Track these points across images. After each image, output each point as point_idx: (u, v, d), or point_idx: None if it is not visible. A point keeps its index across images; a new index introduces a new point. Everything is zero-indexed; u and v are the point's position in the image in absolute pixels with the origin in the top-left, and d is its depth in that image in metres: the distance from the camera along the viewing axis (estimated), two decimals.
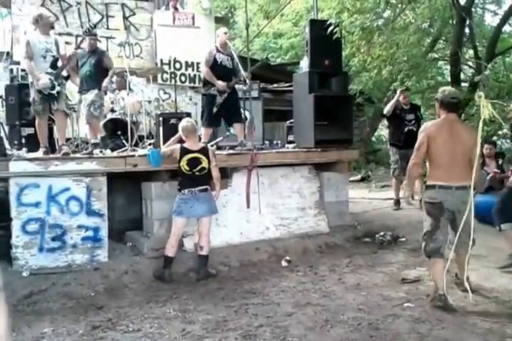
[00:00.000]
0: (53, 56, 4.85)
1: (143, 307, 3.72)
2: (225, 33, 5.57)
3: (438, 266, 3.43)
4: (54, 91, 4.79)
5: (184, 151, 4.37)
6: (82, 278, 4.19)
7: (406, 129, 6.68)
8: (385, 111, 6.94)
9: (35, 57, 4.78)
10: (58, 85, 4.81)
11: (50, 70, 4.80)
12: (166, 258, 4.35)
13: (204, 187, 4.38)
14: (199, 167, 4.36)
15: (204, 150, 4.42)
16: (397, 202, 6.86)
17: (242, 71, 5.46)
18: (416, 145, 3.50)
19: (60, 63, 4.90)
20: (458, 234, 3.37)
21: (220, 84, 5.37)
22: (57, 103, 4.85)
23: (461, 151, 3.39)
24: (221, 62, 5.47)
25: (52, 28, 5.01)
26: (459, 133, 3.45)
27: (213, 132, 6.05)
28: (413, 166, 3.52)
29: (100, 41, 6.23)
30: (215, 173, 4.47)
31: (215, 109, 5.47)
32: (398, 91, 6.98)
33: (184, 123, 4.49)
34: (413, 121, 6.74)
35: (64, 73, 4.96)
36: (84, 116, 5.29)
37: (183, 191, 4.37)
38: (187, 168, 4.34)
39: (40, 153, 4.84)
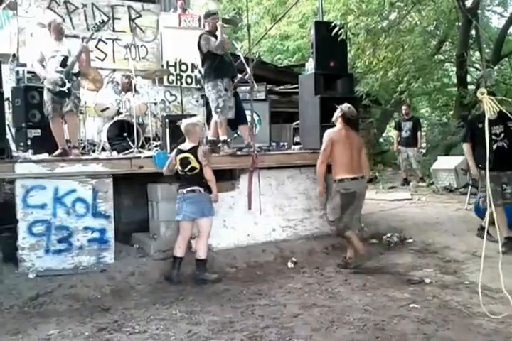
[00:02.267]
0: (63, 55, 4.86)
1: (149, 308, 3.71)
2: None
3: (353, 236, 4.48)
4: (64, 88, 4.78)
5: (177, 152, 4.41)
6: (89, 280, 4.19)
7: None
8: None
9: (46, 60, 4.84)
10: (69, 82, 4.81)
11: (59, 69, 4.81)
12: (174, 258, 4.36)
13: (192, 188, 4.31)
14: (189, 167, 4.32)
15: (193, 150, 4.36)
16: None
17: (248, 69, 5.44)
18: (322, 146, 4.50)
19: (69, 61, 4.87)
20: (353, 216, 4.51)
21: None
22: (67, 103, 4.84)
23: (356, 151, 4.47)
24: None
25: (62, 33, 5.04)
26: (352, 138, 4.53)
27: None
28: (321, 164, 4.51)
29: None
30: (207, 174, 4.37)
31: None
32: None
33: (183, 123, 4.48)
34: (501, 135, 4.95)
35: (75, 70, 4.94)
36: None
37: (179, 191, 4.39)
38: (180, 168, 4.36)
39: (56, 154, 4.81)
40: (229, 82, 5.27)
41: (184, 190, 4.32)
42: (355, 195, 4.42)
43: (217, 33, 5.18)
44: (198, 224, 4.38)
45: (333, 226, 4.61)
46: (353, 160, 4.44)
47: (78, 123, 5.37)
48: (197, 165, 4.33)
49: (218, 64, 5.21)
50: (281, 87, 9.99)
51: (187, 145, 4.42)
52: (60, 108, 4.87)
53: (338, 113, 4.61)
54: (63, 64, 4.84)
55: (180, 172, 4.39)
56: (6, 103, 5.14)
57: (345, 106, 4.65)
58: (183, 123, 4.46)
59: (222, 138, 5.33)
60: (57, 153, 4.82)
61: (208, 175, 4.37)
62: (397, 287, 4.03)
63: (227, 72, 5.30)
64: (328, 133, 4.53)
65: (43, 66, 4.86)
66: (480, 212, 5.51)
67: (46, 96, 4.86)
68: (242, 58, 5.54)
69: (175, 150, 4.48)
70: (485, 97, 3.02)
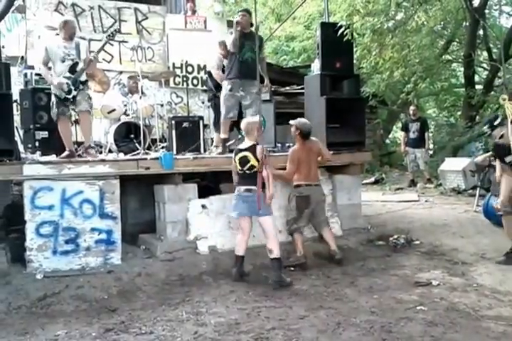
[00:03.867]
0: (72, 60, 4.84)
1: (155, 309, 3.72)
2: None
3: (299, 238, 4.84)
4: (70, 96, 4.80)
5: (237, 151, 4.39)
6: (96, 281, 4.21)
7: None
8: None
9: (54, 61, 4.82)
10: (75, 90, 4.81)
11: (68, 74, 4.81)
12: (236, 257, 4.41)
13: (249, 187, 4.26)
14: (248, 165, 4.26)
15: (252, 148, 4.29)
16: None
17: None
18: (290, 161, 4.91)
19: (79, 68, 4.89)
20: (318, 219, 4.96)
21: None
22: (76, 105, 4.88)
23: (313, 160, 4.96)
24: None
25: (74, 34, 5.06)
26: (311, 150, 4.96)
27: None
28: (291, 174, 4.93)
29: None
30: (266, 173, 4.25)
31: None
32: None
33: (243, 121, 4.50)
34: None
35: (83, 78, 4.96)
36: None
37: (236, 189, 4.39)
38: (239, 167, 4.33)
39: (63, 155, 4.83)
40: (239, 81, 5.33)
41: (242, 188, 4.30)
42: (310, 199, 4.85)
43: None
44: (261, 224, 4.35)
45: (287, 226, 4.97)
46: (311, 171, 4.95)
47: (91, 122, 5.38)
48: (256, 164, 4.25)
49: (229, 64, 5.35)
50: (287, 87, 9.99)
51: (246, 143, 4.38)
52: (67, 110, 4.89)
53: (294, 131, 4.93)
54: (72, 70, 4.83)
55: (239, 171, 4.35)
56: (14, 105, 5.18)
57: (299, 122, 4.93)
58: (243, 122, 4.47)
59: (221, 136, 5.44)
60: (64, 154, 4.84)
61: (267, 175, 4.29)
62: (404, 289, 4.01)
63: (238, 72, 5.33)
64: (293, 151, 4.96)
65: (50, 68, 4.86)
66: (489, 214, 5.46)
67: (54, 99, 4.87)
68: None
69: (235, 150, 4.48)
70: (507, 103, 3.02)
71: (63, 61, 4.82)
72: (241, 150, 4.36)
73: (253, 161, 4.26)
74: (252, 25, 5.44)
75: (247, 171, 4.29)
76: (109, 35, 5.34)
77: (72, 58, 4.85)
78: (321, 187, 5.08)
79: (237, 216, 4.40)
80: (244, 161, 4.29)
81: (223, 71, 5.62)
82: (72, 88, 4.80)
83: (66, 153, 4.86)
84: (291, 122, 4.97)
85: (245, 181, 4.31)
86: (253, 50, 5.24)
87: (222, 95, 5.47)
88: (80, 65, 4.87)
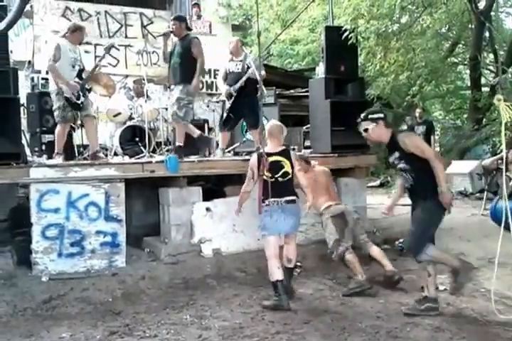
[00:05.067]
0: (79, 65, 4.95)
1: (160, 313, 3.73)
2: (235, 41, 5.73)
3: (354, 259, 4.17)
4: (79, 101, 4.88)
5: (261, 155, 3.78)
6: (100, 284, 4.23)
7: None
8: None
9: (64, 65, 4.82)
10: (83, 96, 4.90)
11: (77, 80, 4.89)
12: (273, 283, 3.73)
13: (292, 197, 3.75)
14: (282, 171, 3.74)
15: (285, 153, 3.82)
16: None
17: (254, 69, 5.39)
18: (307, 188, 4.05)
19: (84, 75, 5.00)
20: (359, 238, 4.41)
21: (223, 90, 5.54)
22: (84, 110, 4.97)
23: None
24: (229, 69, 5.63)
25: (83, 39, 5.13)
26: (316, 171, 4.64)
27: (231, 138, 6.10)
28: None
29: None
30: (302, 180, 3.86)
31: (225, 114, 5.58)
32: None
33: (269, 124, 4.08)
34: None
35: (88, 85, 5.07)
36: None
37: (266, 202, 3.71)
38: (269, 174, 3.72)
39: (60, 160, 4.90)
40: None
41: (281, 200, 3.69)
42: (345, 216, 4.39)
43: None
44: (288, 237, 3.91)
45: (334, 252, 4.29)
46: (331, 192, 4.65)
47: (97, 127, 5.45)
48: (290, 171, 3.79)
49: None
50: (292, 90, 9.99)
51: (274, 147, 3.87)
52: (71, 116, 4.95)
53: (299, 163, 4.12)
54: (79, 76, 4.93)
55: (268, 179, 3.73)
56: (21, 109, 5.22)
57: (300, 155, 4.60)
58: (269, 125, 4.03)
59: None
60: (60, 159, 4.89)
61: (304, 182, 3.89)
62: (410, 294, 3.98)
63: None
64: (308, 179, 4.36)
65: (56, 62, 4.84)
66: (497, 218, 5.41)
67: (64, 102, 4.84)
68: (252, 63, 5.52)
69: (256, 154, 3.91)
70: (502, 104, 2.98)
71: (73, 66, 4.89)
72: (271, 154, 3.80)
73: (287, 167, 3.78)
74: (189, 29, 5.45)
75: (279, 178, 3.74)
76: (106, 49, 5.42)
77: (79, 64, 4.94)
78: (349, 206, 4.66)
79: (277, 234, 3.78)
80: (276, 167, 3.76)
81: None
82: (81, 94, 4.88)
83: (60, 156, 4.93)
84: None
85: (280, 191, 3.70)
86: (179, 54, 5.18)
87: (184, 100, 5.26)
88: (86, 74, 4.98)
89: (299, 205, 3.84)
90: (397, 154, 3.51)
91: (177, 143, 5.32)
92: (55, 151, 5.00)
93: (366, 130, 3.58)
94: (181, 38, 5.30)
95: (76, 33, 4.94)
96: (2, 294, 3.97)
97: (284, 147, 3.91)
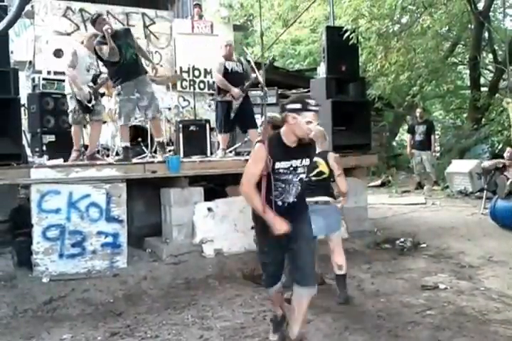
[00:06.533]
0: (95, 70, 5.10)
1: (161, 313, 3.72)
2: (229, 45, 5.72)
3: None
4: (90, 104, 5.01)
5: None
6: (101, 284, 4.22)
7: None
8: None
9: (80, 69, 4.99)
10: (95, 100, 5.03)
11: (91, 84, 5.05)
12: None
13: (323, 198, 3.65)
14: (316, 171, 3.65)
15: (322, 154, 3.73)
16: None
17: (257, 73, 5.44)
18: None
19: (100, 80, 5.15)
20: None
21: (235, 90, 5.46)
22: (94, 114, 5.11)
23: None
24: (232, 69, 5.61)
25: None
26: None
27: (232, 138, 6.10)
28: None
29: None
30: (342, 185, 3.72)
31: (232, 115, 5.54)
32: None
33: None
34: None
35: (102, 90, 5.19)
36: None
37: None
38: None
39: (74, 156, 5.12)
40: (132, 83, 4.96)
41: (311, 201, 3.46)
42: None
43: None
44: (330, 240, 3.83)
45: None
46: None
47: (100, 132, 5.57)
48: (326, 171, 3.71)
49: (117, 71, 4.96)
50: (293, 90, 10.00)
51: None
52: (84, 119, 5.16)
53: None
54: (94, 80, 5.08)
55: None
56: (21, 109, 5.23)
57: None
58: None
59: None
60: (74, 155, 5.05)
61: (344, 187, 3.74)
62: (411, 293, 3.98)
63: (128, 74, 4.96)
64: None
65: (74, 67, 5.00)
66: (496, 217, 5.42)
67: (77, 105, 5.05)
68: (253, 63, 5.54)
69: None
70: (511, 106, 2.99)
71: (88, 70, 5.05)
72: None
73: (323, 167, 3.69)
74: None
75: (313, 178, 3.60)
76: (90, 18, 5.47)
77: (95, 69, 5.09)
78: None
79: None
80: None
81: (224, 75, 5.62)
82: (93, 97, 5.00)
83: (76, 153, 5.12)
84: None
85: (313, 191, 3.54)
86: (130, 45, 4.88)
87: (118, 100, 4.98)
88: (101, 81, 5.11)
89: (333, 207, 3.73)
90: None
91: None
92: (74, 148, 5.20)
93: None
94: (116, 31, 4.87)
95: (92, 40, 5.02)
96: (2, 295, 3.96)
97: (322, 149, 3.76)
